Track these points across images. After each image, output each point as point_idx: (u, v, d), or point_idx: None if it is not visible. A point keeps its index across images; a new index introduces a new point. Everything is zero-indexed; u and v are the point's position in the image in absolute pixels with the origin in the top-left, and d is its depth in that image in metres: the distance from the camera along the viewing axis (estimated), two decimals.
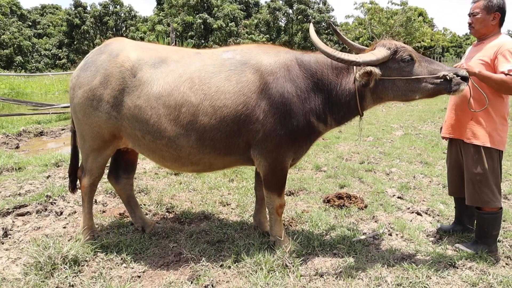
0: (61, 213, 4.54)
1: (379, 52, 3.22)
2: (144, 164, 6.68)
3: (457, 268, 3.56)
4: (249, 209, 4.76)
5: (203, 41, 22.23)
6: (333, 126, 3.56)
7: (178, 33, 20.42)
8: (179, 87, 3.30)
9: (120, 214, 4.47)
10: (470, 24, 3.73)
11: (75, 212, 4.58)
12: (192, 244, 3.79)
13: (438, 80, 3.20)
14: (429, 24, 35.57)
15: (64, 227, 4.18)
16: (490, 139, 3.63)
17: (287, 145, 3.38)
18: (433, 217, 4.79)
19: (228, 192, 5.40)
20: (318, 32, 41.15)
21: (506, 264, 3.66)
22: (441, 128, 4.12)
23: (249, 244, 3.79)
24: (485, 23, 3.64)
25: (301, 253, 3.69)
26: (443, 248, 3.91)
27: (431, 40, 33.14)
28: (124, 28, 28.85)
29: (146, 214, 4.54)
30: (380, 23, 26.81)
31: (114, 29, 28.46)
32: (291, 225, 4.40)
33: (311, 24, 3.28)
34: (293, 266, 3.38)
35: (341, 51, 3.24)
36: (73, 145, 3.93)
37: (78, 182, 3.95)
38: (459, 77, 3.19)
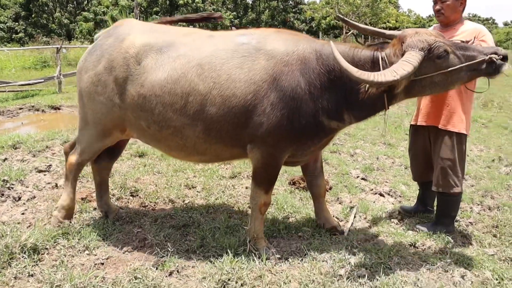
0: (19, 198, 4.35)
1: (413, 57, 2.89)
2: None
3: (417, 248, 3.71)
4: (215, 192, 4.74)
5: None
6: (353, 123, 3.38)
7: (142, 9, 19.72)
8: (186, 74, 3.12)
9: (82, 199, 4.34)
10: (439, 11, 3.75)
11: (34, 197, 4.41)
12: (157, 229, 3.74)
13: (478, 66, 3.01)
14: (394, 5, 36.02)
15: (23, 213, 4.01)
16: (465, 126, 3.73)
17: (287, 142, 3.22)
18: (395, 198, 4.95)
19: (194, 174, 5.34)
20: (285, 10, 40.87)
21: (463, 243, 3.84)
22: (415, 115, 4.08)
23: (214, 228, 3.78)
24: (455, 9, 3.70)
25: (268, 236, 3.73)
26: (404, 229, 4.05)
27: (396, 21, 33.67)
28: (85, 2, 27.50)
29: (109, 198, 4.42)
30: (347, 3, 26.91)
31: (75, 2, 27.09)
32: None
33: (333, 44, 2.98)
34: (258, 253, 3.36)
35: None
36: None
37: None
38: (499, 57, 2.96)
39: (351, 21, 3.75)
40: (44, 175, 5.12)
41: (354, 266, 3.31)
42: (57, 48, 11.77)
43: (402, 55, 2.98)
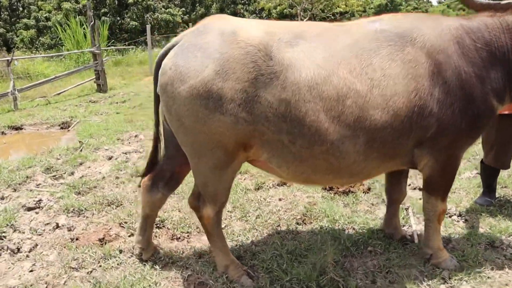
0: (18, 250, 3.50)
1: None
2: (98, 167, 5.64)
3: (497, 247, 3.35)
4: (250, 210, 4.12)
5: (118, 18, 20.21)
6: (505, 105, 2.91)
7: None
8: (336, 71, 2.47)
9: (99, 239, 3.57)
10: None
11: (36, 245, 3.58)
12: (209, 268, 3.08)
13: None
14: None
15: (31, 271, 3.20)
16: None
17: (465, 138, 2.75)
18: None
19: None
20: (234, 3, 40.03)
21: None
22: None
23: (274, 256, 3.19)
24: None
25: (339, 257, 3.20)
26: (470, 226, 3.72)
27: (346, 6, 33.97)
28: (21, 9, 25.02)
29: (132, 235, 3.69)
30: None
31: (9, 10, 24.64)
32: (305, 223, 3.86)
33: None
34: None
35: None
36: (154, 145, 3.11)
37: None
38: None
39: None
40: (37, 213, 4.25)
41: (453, 281, 2.87)
42: (8, 60, 10.45)
43: None
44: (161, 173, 3.04)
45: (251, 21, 2.72)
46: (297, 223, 3.84)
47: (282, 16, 38.68)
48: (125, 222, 3.84)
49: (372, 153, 2.62)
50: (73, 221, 4.04)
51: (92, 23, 12.32)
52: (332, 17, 40.68)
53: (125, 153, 6.20)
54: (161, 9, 23.13)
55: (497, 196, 4.23)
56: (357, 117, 2.48)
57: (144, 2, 20.89)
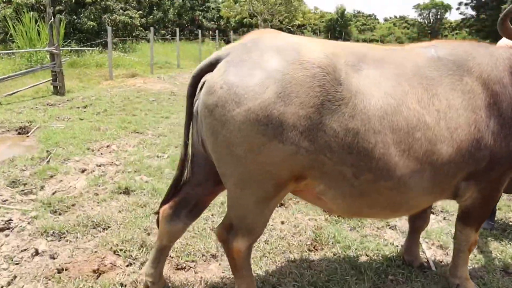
0: None
1: None
2: (71, 181, 5.08)
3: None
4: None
5: (75, 17, 19.06)
6: None
7: (42, 8, 17.12)
8: (405, 101, 2.28)
9: (94, 271, 3.12)
10: None
11: (15, 277, 3.06)
12: None
13: None
14: (299, 3, 37.04)
15: None
16: None
17: (510, 171, 2.65)
18: (436, 215, 4.52)
19: (219, 209, 4.30)
20: (192, 9, 39.51)
21: None
22: None
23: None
24: None
25: None
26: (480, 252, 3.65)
27: (303, 19, 34.77)
28: None
29: (130, 264, 3.27)
30: (260, 1, 26.72)
31: None
32: (316, 249, 3.64)
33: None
34: None
35: None
36: (180, 169, 2.65)
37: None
38: None
39: None
40: (6, 236, 3.70)
41: None
42: None
43: None
44: (185, 201, 2.66)
45: (306, 38, 2.47)
46: (309, 249, 3.61)
47: (241, 25, 38.85)
48: (120, 250, 3.39)
49: (434, 188, 2.48)
50: (54, 246, 3.54)
51: (51, 20, 11.45)
52: (291, 29, 41.45)
53: (99, 166, 5.67)
54: (119, 10, 22.16)
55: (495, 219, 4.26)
56: (426, 151, 2.31)
57: (103, 2, 19.89)
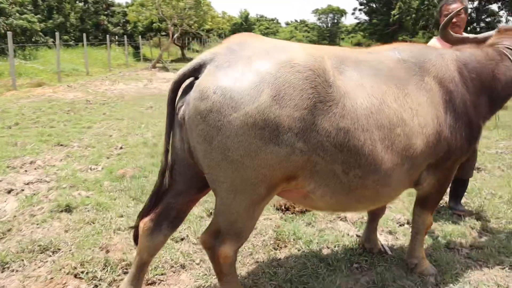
0: None
1: None
2: None
3: (453, 249, 3.76)
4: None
5: None
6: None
7: None
8: (386, 100, 2.49)
9: None
10: (454, 23, 3.87)
11: None
12: None
13: None
14: (208, 8, 37.10)
15: None
16: None
17: (462, 159, 3.03)
18: None
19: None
20: (96, 13, 37.38)
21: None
22: None
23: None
24: (465, 22, 4.11)
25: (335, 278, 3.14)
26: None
27: (212, 23, 34.85)
28: None
29: (96, 286, 3.03)
30: (169, 5, 26.18)
31: None
32: (280, 247, 3.71)
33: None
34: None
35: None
36: (161, 179, 2.50)
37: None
38: None
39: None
40: None
41: (442, 285, 3.10)
42: None
43: None
44: (166, 212, 2.54)
45: (289, 42, 2.53)
46: (274, 248, 3.67)
47: (148, 30, 37.67)
48: (82, 272, 3.13)
49: (409, 178, 2.74)
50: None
51: None
52: (202, 33, 41.27)
53: (27, 184, 5.15)
54: (15, 14, 20.19)
55: None
56: (404, 146, 2.53)
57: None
